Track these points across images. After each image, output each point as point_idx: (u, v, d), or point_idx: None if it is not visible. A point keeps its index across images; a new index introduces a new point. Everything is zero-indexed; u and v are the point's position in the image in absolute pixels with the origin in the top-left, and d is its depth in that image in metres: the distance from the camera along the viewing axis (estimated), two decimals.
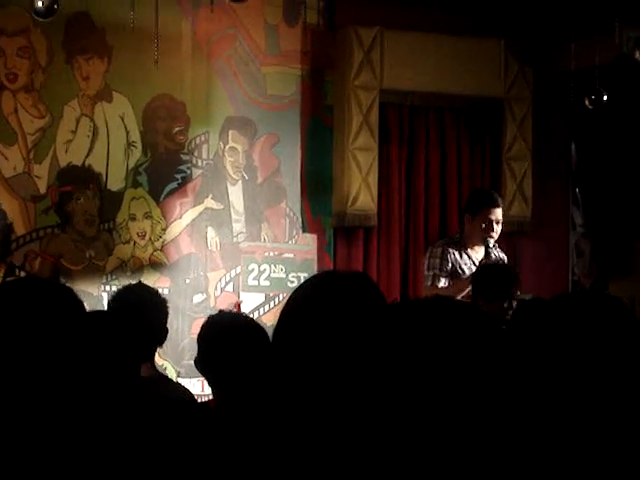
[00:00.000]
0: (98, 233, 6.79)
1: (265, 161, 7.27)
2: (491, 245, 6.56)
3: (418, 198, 7.62)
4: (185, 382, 5.48)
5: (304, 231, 7.37)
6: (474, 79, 7.56)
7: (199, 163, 7.09)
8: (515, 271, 5.97)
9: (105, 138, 6.83)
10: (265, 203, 7.26)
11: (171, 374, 6.59)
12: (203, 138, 7.11)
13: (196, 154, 7.08)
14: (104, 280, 6.76)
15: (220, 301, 7.01)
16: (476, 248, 6.64)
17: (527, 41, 7.72)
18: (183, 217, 7.01)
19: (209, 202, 7.10)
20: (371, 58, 7.31)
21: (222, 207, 7.13)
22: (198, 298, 7.02)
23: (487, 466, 1.43)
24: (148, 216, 6.92)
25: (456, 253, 6.63)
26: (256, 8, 7.13)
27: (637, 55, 6.91)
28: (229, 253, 7.13)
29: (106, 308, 4.99)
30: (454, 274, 6.59)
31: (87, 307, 2.36)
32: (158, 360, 5.50)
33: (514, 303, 5.39)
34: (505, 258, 6.70)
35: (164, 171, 6.99)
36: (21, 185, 6.60)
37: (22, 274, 6.51)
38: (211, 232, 7.09)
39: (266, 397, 1.99)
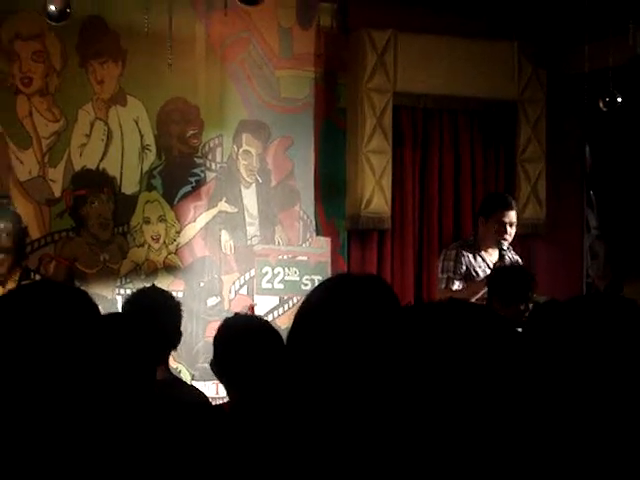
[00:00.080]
0: (112, 236, 6.80)
1: (279, 164, 7.27)
2: (505, 248, 6.55)
3: (432, 201, 7.61)
4: (199, 385, 5.48)
5: (318, 234, 7.37)
6: (487, 81, 7.56)
7: (213, 166, 7.10)
8: (532, 273, 5.95)
9: (119, 142, 6.84)
10: (279, 206, 7.26)
11: (185, 377, 6.60)
12: (217, 141, 7.12)
13: (210, 157, 7.09)
14: (118, 283, 6.78)
15: (234, 304, 7.02)
16: (490, 251, 6.62)
17: (541, 43, 7.70)
18: (197, 220, 7.02)
19: (223, 205, 7.11)
20: (384, 61, 7.31)
21: (236, 210, 7.14)
22: (212, 301, 7.03)
23: (504, 467, 1.43)
24: (162, 219, 6.93)
25: (470, 256, 6.62)
26: (270, 11, 7.13)
27: None
28: (243, 256, 7.14)
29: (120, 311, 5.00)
30: (468, 277, 6.58)
31: (101, 310, 2.37)
32: (172, 363, 5.51)
33: (530, 306, 5.38)
34: (519, 260, 6.69)
35: (178, 174, 7.00)
36: (36, 189, 6.62)
37: (37, 278, 6.53)
38: (225, 235, 7.10)
39: (281, 399, 1.99)
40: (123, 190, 6.85)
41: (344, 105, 7.42)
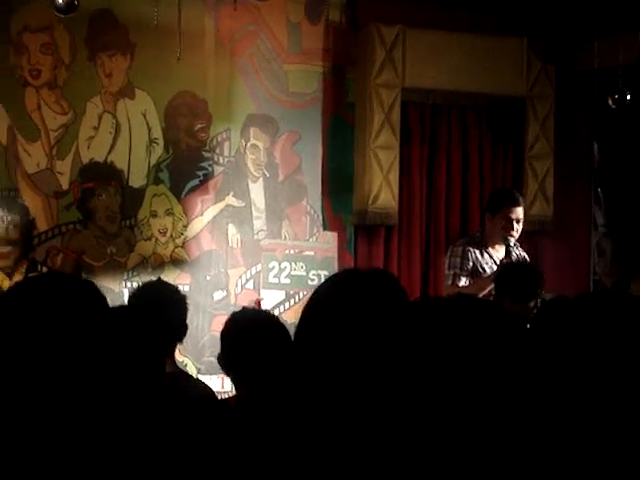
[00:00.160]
0: (120, 230, 6.81)
1: (286, 159, 7.27)
2: (512, 244, 6.54)
3: (439, 197, 7.61)
4: (205, 379, 5.48)
5: (325, 229, 7.37)
6: (496, 77, 7.54)
7: (220, 160, 7.10)
8: (539, 270, 5.95)
9: (127, 135, 6.85)
10: (286, 201, 7.26)
11: (191, 371, 6.60)
12: (225, 135, 7.11)
13: (217, 151, 7.09)
14: (125, 276, 6.78)
15: (240, 298, 7.02)
16: (497, 247, 6.61)
17: (550, 39, 7.68)
18: (204, 214, 7.02)
19: (230, 199, 7.11)
20: (393, 56, 7.30)
21: (243, 204, 7.14)
22: (218, 295, 7.03)
23: (511, 461, 1.42)
24: (169, 213, 6.94)
25: (477, 252, 6.61)
26: (279, 6, 7.13)
27: None
28: (250, 250, 7.14)
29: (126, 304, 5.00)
30: (475, 273, 6.57)
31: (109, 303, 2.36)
32: (178, 357, 5.52)
33: (539, 302, 5.37)
34: (526, 257, 6.68)
35: (185, 168, 7.00)
36: (44, 181, 6.63)
37: (44, 270, 6.54)
38: (232, 229, 7.10)
39: (288, 394, 1.99)
40: (131, 183, 6.85)
41: (352, 100, 7.41)
